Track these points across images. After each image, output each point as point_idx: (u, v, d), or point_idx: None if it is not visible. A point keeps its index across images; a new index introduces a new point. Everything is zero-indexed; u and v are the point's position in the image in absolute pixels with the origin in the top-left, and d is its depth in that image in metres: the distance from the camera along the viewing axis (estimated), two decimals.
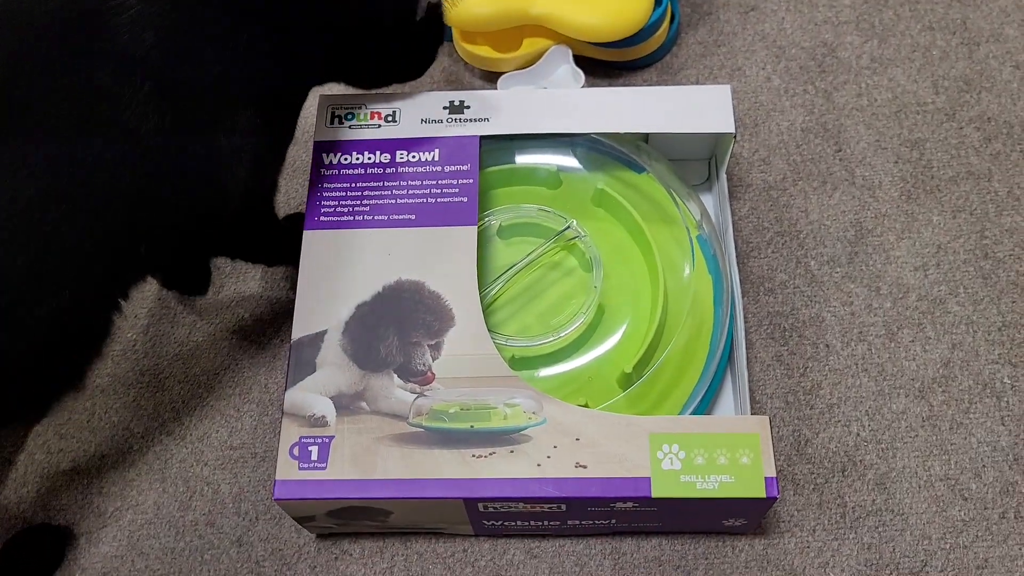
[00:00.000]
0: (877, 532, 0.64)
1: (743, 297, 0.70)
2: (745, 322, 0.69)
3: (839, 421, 0.68)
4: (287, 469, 0.57)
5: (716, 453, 0.56)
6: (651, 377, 0.62)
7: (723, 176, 0.72)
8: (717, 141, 0.73)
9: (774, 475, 0.55)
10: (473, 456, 0.57)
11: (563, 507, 0.57)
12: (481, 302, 0.62)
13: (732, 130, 0.67)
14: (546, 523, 0.61)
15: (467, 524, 0.62)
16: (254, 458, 0.69)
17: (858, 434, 0.67)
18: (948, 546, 0.63)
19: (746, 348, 0.67)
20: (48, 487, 0.68)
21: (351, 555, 0.65)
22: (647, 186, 0.70)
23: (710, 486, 0.55)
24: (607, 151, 0.71)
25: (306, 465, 0.57)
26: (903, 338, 0.70)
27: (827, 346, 0.70)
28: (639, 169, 0.70)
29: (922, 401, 0.68)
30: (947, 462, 0.66)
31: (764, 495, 0.55)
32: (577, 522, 0.61)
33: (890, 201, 0.76)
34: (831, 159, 0.78)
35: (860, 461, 0.66)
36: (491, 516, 0.59)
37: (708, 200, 0.74)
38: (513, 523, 0.61)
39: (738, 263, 0.70)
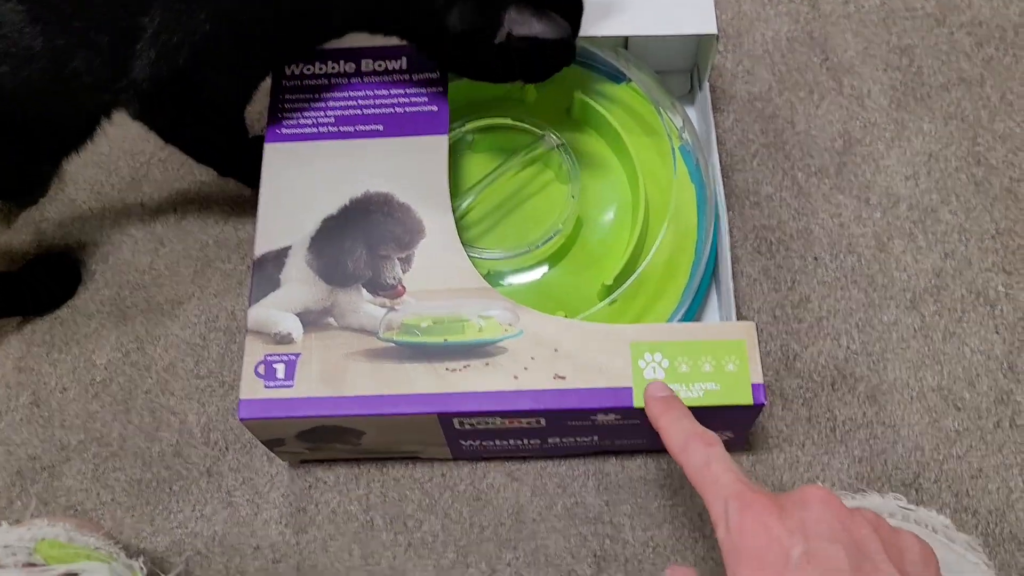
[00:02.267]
0: (868, 445, 0.62)
1: (728, 211, 0.67)
2: (730, 236, 0.66)
3: (828, 334, 0.65)
4: (252, 388, 0.54)
5: (701, 361, 0.53)
6: (632, 289, 0.59)
7: (706, 86, 0.69)
8: (698, 48, 0.69)
9: (761, 382, 0.53)
10: (447, 370, 0.54)
11: (542, 421, 0.55)
12: (454, 215, 0.59)
13: (715, 31, 0.64)
14: (526, 442, 0.59)
15: (444, 446, 0.59)
16: (222, 387, 0.66)
17: (848, 347, 0.65)
18: (941, 457, 0.61)
19: (732, 263, 0.64)
20: (8, 421, 0.65)
21: (325, 483, 0.63)
22: (626, 96, 0.67)
23: (695, 394, 0.53)
24: (584, 60, 0.67)
25: (272, 383, 0.54)
26: (894, 248, 0.68)
27: (815, 259, 0.68)
28: (618, 79, 0.67)
29: (914, 312, 0.66)
30: (940, 372, 0.64)
31: (751, 402, 0.53)
32: (558, 440, 0.59)
33: (879, 110, 0.73)
34: (817, 68, 0.75)
35: (850, 374, 0.64)
36: (468, 435, 0.57)
37: (690, 113, 0.71)
38: (491, 443, 0.59)
39: (722, 176, 0.67)
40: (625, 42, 0.68)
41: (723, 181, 0.67)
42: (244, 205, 0.72)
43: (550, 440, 0.59)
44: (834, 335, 0.65)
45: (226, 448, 0.64)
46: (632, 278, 0.58)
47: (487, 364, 0.54)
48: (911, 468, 0.61)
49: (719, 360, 0.53)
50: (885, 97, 0.73)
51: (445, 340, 0.55)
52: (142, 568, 0.54)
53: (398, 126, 0.61)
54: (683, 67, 0.72)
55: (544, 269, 0.62)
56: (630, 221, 0.63)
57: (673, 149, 0.64)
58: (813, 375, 0.64)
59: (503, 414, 0.54)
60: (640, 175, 0.63)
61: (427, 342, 0.55)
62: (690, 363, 0.53)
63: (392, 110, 0.62)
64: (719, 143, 0.71)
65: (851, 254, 0.68)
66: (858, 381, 0.64)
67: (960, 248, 0.68)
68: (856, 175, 0.70)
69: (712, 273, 0.64)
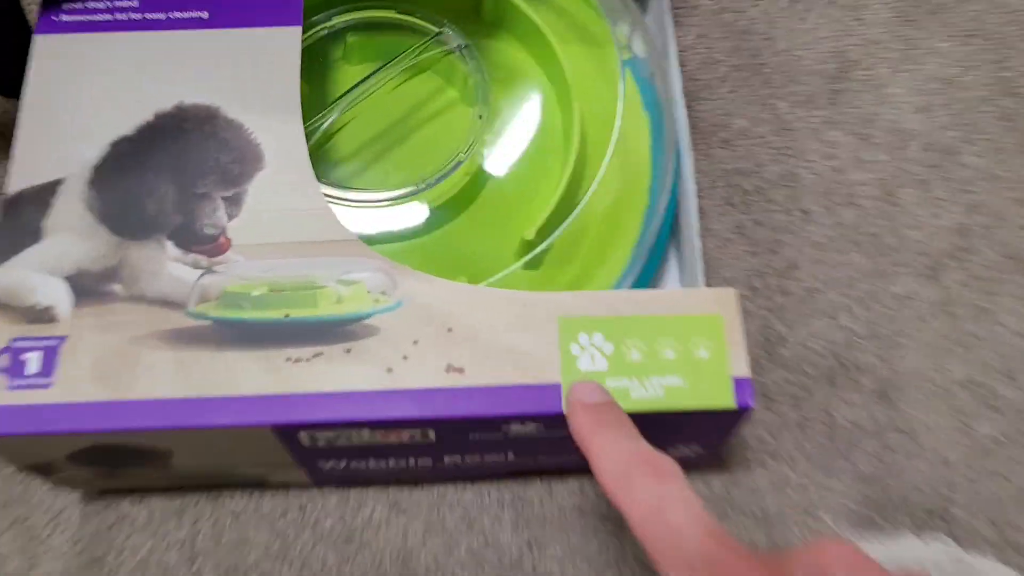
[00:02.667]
0: (879, 459, 0.46)
1: (691, 150, 0.51)
2: (695, 182, 0.50)
3: (824, 311, 0.49)
4: None
5: (660, 344, 0.37)
6: (564, 247, 0.42)
7: None
8: None
9: (747, 375, 0.37)
10: (288, 360, 0.36)
11: (431, 435, 0.38)
12: (312, 141, 0.42)
13: None
14: (412, 462, 0.41)
15: (297, 468, 0.42)
16: None
17: (850, 328, 0.49)
18: (974, 474, 0.46)
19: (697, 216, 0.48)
20: None
21: (133, 521, 0.44)
22: None
23: (651, 394, 0.36)
24: None
25: (21, 382, 0.36)
26: (905, 200, 0.52)
27: (804, 212, 0.52)
28: None
29: (933, 282, 0.50)
30: (969, 361, 0.48)
31: (733, 405, 0.36)
32: (458, 459, 0.41)
33: (882, 24, 0.57)
34: None
35: (853, 364, 0.48)
36: (326, 454, 0.39)
37: None
38: (363, 464, 0.41)
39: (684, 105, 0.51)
40: None
41: (685, 111, 0.50)
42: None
43: (446, 459, 0.41)
44: (831, 312, 0.49)
45: None
46: (562, 228, 0.41)
47: (348, 351, 0.37)
48: (936, 490, 0.45)
49: (686, 344, 0.37)
50: (888, 9, 0.57)
51: (287, 316, 0.37)
52: None
53: (231, 14, 0.43)
54: None
55: (440, 219, 0.44)
56: (560, 156, 0.46)
57: (620, 64, 0.47)
58: (804, 365, 0.48)
59: (372, 425, 0.37)
60: (574, 96, 0.46)
61: (260, 319, 0.37)
62: (644, 348, 0.36)
63: None
64: (678, 63, 0.54)
65: (851, 207, 0.52)
66: (863, 373, 0.48)
67: (989, 200, 0.52)
68: (854, 107, 0.55)
69: (671, 231, 0.48)
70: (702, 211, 0.51)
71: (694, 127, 0.54)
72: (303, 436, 0.37)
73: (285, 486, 0.45)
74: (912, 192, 0.52)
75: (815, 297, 0.50)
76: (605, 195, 0.43)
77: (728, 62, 0.56)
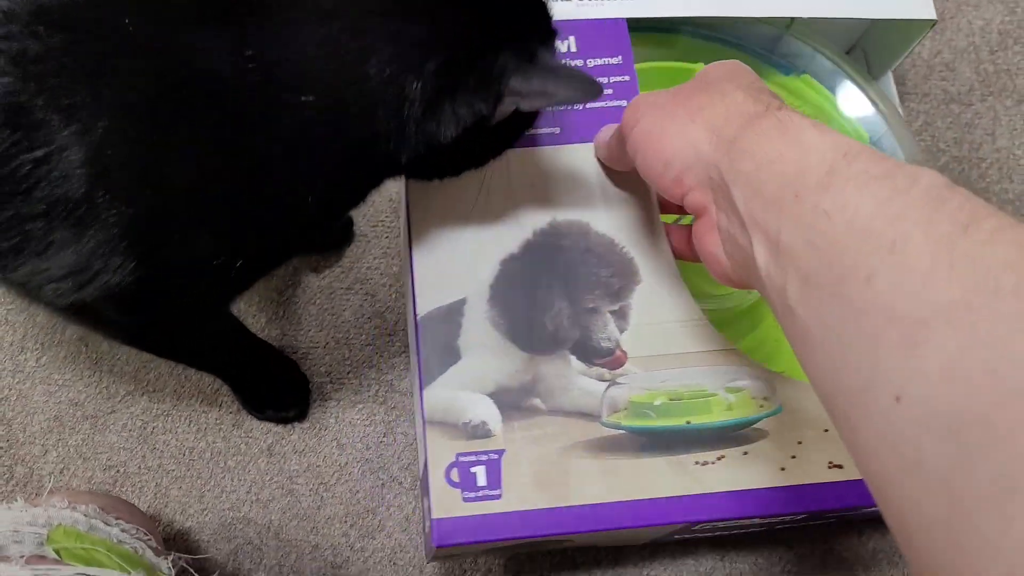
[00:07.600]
0: None
1: None
2: None
3: None
4: (447, 502, 0.41)
5: None
6: None
7: (889, 76, 0.57)
8: (871, 30, 0.56)
9: None
10: (697, 464, 0.42)
11: (801, 517, 0.45)
12: None
13: (932, 16, 0.51)
14: (743, 529, 0.49)
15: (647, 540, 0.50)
16: (295, 355, 0.57)
17: None
18: None
19: None
20: (51, 356, 0.57)
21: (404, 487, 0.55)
22: (803, 91, 0.54)
23: None
24: (742, 42, 0.54)
25: (474, 494, 0.41)
26: None
27: None
28: (787, 69, 0.54)
29: None
30: None
31: None
32: (770, 524, 0.48)
33: None
34: None
35: None
36: (696, 532, 0.47)
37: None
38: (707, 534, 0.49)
39: None
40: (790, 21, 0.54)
41: None
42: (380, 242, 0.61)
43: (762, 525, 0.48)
44: None
45: (292, 426, 0.56)
46: None
47: (745, 453, 0.42)
48: None
49: None
50: None
51: (688, 423, 0.42)
52: (171, 568, 0.45)
53: (580, 128, 0.46)
54: (838, 46, 0.59)
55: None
56: None
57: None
58: None
59: (771, 517, 0.43)
60: None
61: (667, 427, 0.42)
62: None
63: (569, 107, 0.47)
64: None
65: None
66: None
67: None
68: None
69: None
70: None
71: None
72: (697, 527, 0.44)
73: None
74: None
75: None
76: None
77: (949, 152, 0.61)
